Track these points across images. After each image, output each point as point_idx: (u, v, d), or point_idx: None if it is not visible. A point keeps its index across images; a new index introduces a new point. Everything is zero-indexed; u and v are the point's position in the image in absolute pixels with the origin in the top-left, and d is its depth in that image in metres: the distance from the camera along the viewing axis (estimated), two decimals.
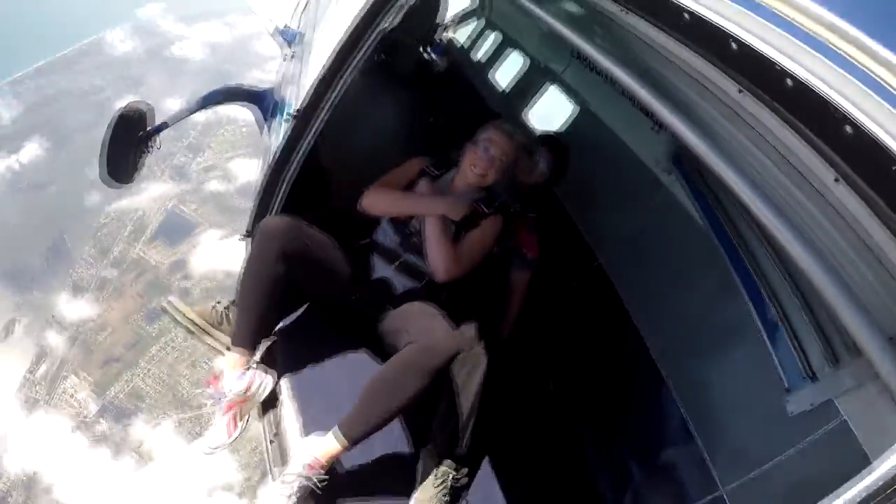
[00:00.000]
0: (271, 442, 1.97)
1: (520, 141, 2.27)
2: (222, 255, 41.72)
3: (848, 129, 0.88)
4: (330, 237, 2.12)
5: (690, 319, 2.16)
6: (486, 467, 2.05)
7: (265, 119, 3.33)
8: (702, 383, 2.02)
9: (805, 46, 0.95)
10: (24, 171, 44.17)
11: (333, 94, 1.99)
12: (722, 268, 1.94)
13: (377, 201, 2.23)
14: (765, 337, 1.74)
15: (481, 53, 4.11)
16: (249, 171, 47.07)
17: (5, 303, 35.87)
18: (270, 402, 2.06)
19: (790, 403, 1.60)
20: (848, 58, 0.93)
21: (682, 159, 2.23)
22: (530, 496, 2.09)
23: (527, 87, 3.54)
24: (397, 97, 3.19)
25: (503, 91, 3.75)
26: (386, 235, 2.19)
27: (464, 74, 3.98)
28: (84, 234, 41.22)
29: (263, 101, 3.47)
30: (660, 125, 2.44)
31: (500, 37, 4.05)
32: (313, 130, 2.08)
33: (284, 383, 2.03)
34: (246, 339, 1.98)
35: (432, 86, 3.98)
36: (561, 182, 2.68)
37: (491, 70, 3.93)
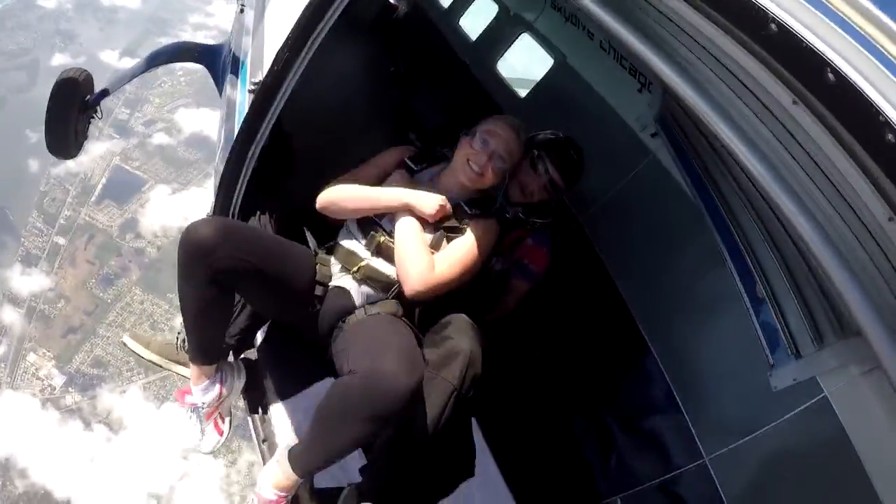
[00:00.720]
0: (263, 441, 1.97)
1: (526, 139, 1.97)
2: (174, 209, 40.72)
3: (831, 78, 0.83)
4: (280, 236, 1.87)
5: (676, 289, 2.19)
6: (473, 435, 2.09)
7: (220, 76, 3.07)
8: (687, 353, 2.08)
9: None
10: None
11: (301, 62, 1.77)
12: (708, 237, 1.92)
13: (332, 199, 1.85)
14: (751, 311, 1.76)
15: None
16: (194, 121, 45.52)
17: None
18: (257, 399, 2.04)
19: (774, 378, 1.66)
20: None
21: (669, 122, 2.16)
22: (517, 462, 2.18)
23: (497, 36, 3.34)
24: (358, 46, 2.96)
25: (472, 39, 3.54)
26: (350, 235, 1.87)
27: (429, 20, 3.73)
28: (28, 203, 39.41)
29: (216, 57, 3.18)
30: (645, 84, 2.34)
31: None
32: (278, 101, 1.84)
33: (268, 385, 2.05)
34: (202, 358, 1.83)
35: (394, 31, 3.73)
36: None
37: (459, 15, 3.68)
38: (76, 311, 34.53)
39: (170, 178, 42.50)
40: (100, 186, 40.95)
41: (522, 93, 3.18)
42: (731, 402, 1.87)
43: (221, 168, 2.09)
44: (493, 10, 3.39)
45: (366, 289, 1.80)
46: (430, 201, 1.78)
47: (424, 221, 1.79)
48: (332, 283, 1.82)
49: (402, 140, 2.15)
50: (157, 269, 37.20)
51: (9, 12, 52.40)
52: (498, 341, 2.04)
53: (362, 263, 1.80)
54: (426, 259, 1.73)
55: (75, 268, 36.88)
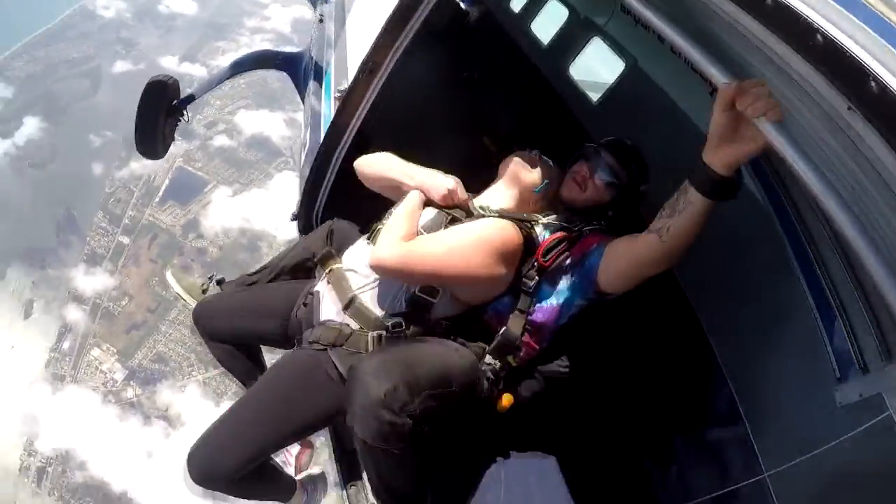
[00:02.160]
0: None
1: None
2: (235, 211, 43.68)
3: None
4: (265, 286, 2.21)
5: (744, 296, 2.25)
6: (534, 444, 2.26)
7: (302, 82, 3.47)
8: (753, 364, 2.12)
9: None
10: (23, 153, 47.08)
11: (387, 67, 2.07)
12: (779, 246, 2.01)
13: (367, 164, 1.98)
14: (819, 323, 1.82)
15: (518, 2, 4.09)
16: (254, 122, 49.10)
17: (21, 284, 38.57)
18: None
19: (839, 393, 1.69)
20: None
21: None
22: (579, 470, 2.30)
23: (569, 41, 3.53)
24: (432, 53, 3.25)
25: (544, 44, 3.76)
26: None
27: (500, 25, 3.98)
28: (93, 204, 43.87)
29: (297, 65, 3.61)
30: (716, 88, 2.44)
31: None
32: (364, 107, 2.15)
33: None
34: None
35: (467, 38, 4.01)
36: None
37: (530, 21, 3.91)
38: (139, 309, 37.64)
39: (231, 180, 45.58)
40: (163, 188, 44.44)
41: (594, 97, 3.35)
42: (794, 416, 1.90)
43: (307, 172, 2.41)
44: (564, 14, 3.59)
45: (330, 296, 1.80)
46: (441, 182, 1.81)
47: (434, 203, 1.82)
48: (315, 287, 1.89)
49: (476, 143, 2.36)
50: (219, 269, 39.53)
51: (69, 22, 58.35)
52: (560, 346, 2.15)
53: (335, 265, 1.85)
54: (404, 228, 1.67)
55: (139, 266, 40.14)
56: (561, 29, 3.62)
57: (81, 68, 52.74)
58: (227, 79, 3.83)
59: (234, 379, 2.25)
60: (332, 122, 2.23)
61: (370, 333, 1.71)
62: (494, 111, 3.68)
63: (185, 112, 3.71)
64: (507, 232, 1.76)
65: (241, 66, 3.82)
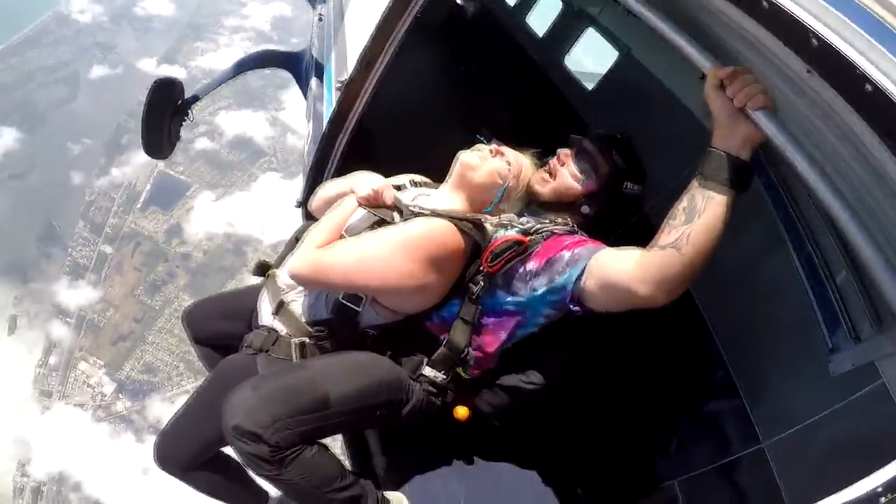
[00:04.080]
0: None
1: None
2: (219, 215, 43.54)
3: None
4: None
5: (738, 272, 2.30)
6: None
7: (303, 80, 3.61)
8: (746, 338, 2.23)
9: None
10: (0, 165, 46.01)
11: (384, 60, 2.20)
12: (769, 221, 2.10)
13: (316, 199, 2.04)
14: (810, 294, 1.90)
15: None
16: (236, 123, 49.11)
17: (4, 299, 38.59)
18: None
19: (832, 363, 1.78)
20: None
21: None
22: (577, 443, 2.42)
23: (564, 32, 3.68)
24: (431, 49, 3.37)
25: (539, 36, 3.90)
26: None
27: (496, 20, 4.11)
28: (74, 213, 43.73)
29: (299, 63, 3.74)
30: None
31: None
32: (364, 98, 2.29)
33: None
34: None
35: (463, 34, 4.14)
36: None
37: (525, 14, 4.06)
38: (125, 319, 37.54)
39: (214, 183, 45.42)
40: (145, 193, 44.30)
41: (590, 86, 3.48)
42: (789, 388, 2.00)
43: (310, 160, 2.55)
44: (558, 6, 3.72)
45: (266, 300, 1.85)
46: (365, 180, 1.79)
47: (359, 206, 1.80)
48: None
49: (474, 136, 2.49)
50: (205, 274, 39.72)
51: (44, 29, 57.94)
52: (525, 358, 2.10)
53: (271, 271, 1.89)
54: (322, 236, 1.68)
55: (122, 276, 40.03)
56: (555, 20, 3.75)
57: (58, 75, 52.51)
58: (231, 79, 3.97)
59: None
60: (334, 112, 2.36)
61: (293, 340, 1.75)
62: (492, 104, 3.80)
63: (190, 111, 3.83)
64: (439, 234, 1.65)
65: (245, 66, 3.95)
